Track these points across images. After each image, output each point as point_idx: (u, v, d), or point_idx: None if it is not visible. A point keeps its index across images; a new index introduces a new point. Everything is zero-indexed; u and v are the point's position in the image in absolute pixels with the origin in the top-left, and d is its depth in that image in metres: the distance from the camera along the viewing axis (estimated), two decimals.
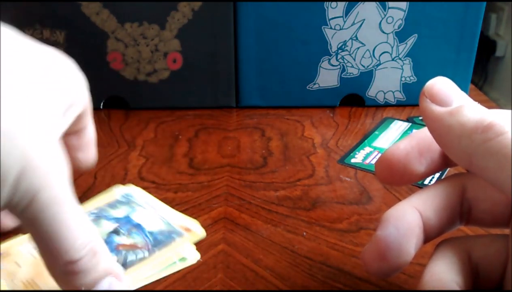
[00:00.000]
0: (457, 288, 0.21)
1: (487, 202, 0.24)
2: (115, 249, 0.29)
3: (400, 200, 0.29)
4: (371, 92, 0.50)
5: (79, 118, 0.27)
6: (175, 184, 0.37)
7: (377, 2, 0.46)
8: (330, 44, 0.48)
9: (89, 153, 0.30)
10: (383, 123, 0.47)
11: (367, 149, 0.43)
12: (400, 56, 0.49)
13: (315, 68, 0.49)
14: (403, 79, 0.50)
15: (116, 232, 0.31)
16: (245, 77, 0.49)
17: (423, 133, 0.24)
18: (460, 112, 0.21)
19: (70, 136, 0.28)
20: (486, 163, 0.20)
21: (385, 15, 0.47)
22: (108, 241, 0.30)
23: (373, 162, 0.41)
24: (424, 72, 0.50)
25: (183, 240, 0.30)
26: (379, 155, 0.42)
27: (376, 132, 0.46)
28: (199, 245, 0.31)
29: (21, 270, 0.28)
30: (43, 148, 0.22)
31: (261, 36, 0.48)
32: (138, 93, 0.49)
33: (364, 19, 0.47)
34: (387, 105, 0.51)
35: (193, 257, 0.29)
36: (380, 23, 0.47)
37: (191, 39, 0.48)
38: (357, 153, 0.42)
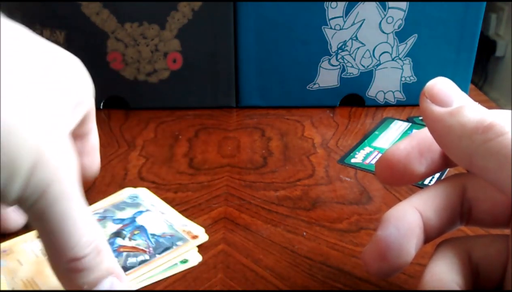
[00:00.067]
0: (458, 288, 0.21)
1: (487, 202, 0.24)
2: (116, 250, 0.29)
3: (400, 200, 0.29)
4: (371, 92, 0.50)
5: (84, 120, 0.27)
6: (175, 184, 0.37)
7: (377, 2, 0.46)
8: (330, 44, 0.48)
9: (94, 158, 0.30)
10: (383, 123, 0.47)
11: (367, 149, 0.43)
12: (400, 56, 0.49)
13: (315, 68, 0.49)
14: (403, 79, 0.50)
15: (119, 233, 0.31)
16: (245, 77, 0.49)
17: (423, 133, 0.24)
18: (460, 112, 0.21)
19: (75, 141, 0.28)
20: (486, 163, 0.20)
21: (385, 15, 0.47)
22: (110, 243, 0.30)
23: (373, 162, 0.41)
24: (424, 72, 0.50)
25: (187, 245, 0.30)
26: (379, 155, 0.42)
27: (376, 132, 0.46)
28: (199, 245, 0.31)
29: (22, 268, 0.28)
30: (54, 142, 0.22)
31: (261, 36, 0.48)
32: (138, 93, 0.49)
33: (364, 19, 0.47)
34: (387, 105, 0.51)
35: (195, 259, 0.29)
36: (380, 23, 0.47)
37: (191, 39, 0.48)
38: (357, 153, 0.42)
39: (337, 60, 0.49)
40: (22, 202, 0.21)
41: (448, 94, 0.22)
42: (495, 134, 0.20)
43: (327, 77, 0.50)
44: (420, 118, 0.48)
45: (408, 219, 0.23)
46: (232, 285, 0.28)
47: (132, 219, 0.32)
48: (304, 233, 0.32)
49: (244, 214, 0.34)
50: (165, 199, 0.35)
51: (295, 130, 0.46)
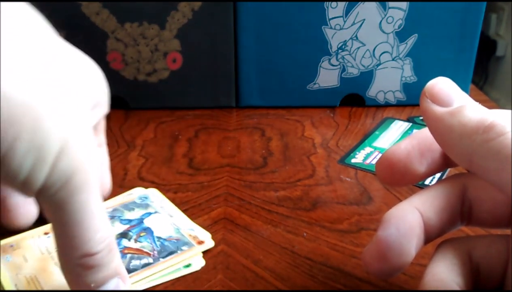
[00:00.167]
0: (458, 289, 0.21)
1: (487, 202, 0.24)
2: (121, 252, 0.29)
3: (400, 200, 0.29)
4: (371, 92, 0.50)
5: (97, 128, 0.28)
6: (175, 184, 0.37)
7: (377, 2, 0.46)
8: (330, 44, 0.48)
9: (104, 175, 0.30)
10: (384, 123, 0.47)
11: (368, 149, 0.43)
12: (401, 56, 0.49)
13: (315, 68, 0.49)
14: (403, 79, 0.50)
15: (125, 234, 0.31)
16: (245, 77, 0.49)
17: (424, 133, 0.24)
18: (461, 112, 0.21)
19: None
20: (487, 163, 0.20)
21: (385, 15, 0.47)
22: (116, 243, 0.30)
23: (374, 162, 0.41)
24: (424, 72, 0.50)
25: (191, 251, 0.30)
26: (380, 155, 0.42)
27: (377, 132, 0.45)
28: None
29: (26, 265, 0.28)
30: (80, 132, 0.22)
31: (261, 36, 0.48)
32: (138, 93, 0.49)
33: (364, 19, 0.47)
34: (387, 105, 0.51)
35: (199, 264, 0.29)
36: (380, 23, 0.47)
37: (191, 39, 0.48)
38: (357, 153, 0.42)
39: (337, 60, 0.49)
40: (45, 190, 0.21)
41: (449, 94, 0.22)
42: (495, 134, 0.20)
43: (327, 77, 0.49)
44: (421, 118, 0.48)
45: (409, 219, 0.23)
46: (232, 286, 0.28)
47: (140, 221, 0.32)
48: (305, 234, 0.32)
49: (244, 214, 0.34)
50: None
51: (295, 131, 0.46)
